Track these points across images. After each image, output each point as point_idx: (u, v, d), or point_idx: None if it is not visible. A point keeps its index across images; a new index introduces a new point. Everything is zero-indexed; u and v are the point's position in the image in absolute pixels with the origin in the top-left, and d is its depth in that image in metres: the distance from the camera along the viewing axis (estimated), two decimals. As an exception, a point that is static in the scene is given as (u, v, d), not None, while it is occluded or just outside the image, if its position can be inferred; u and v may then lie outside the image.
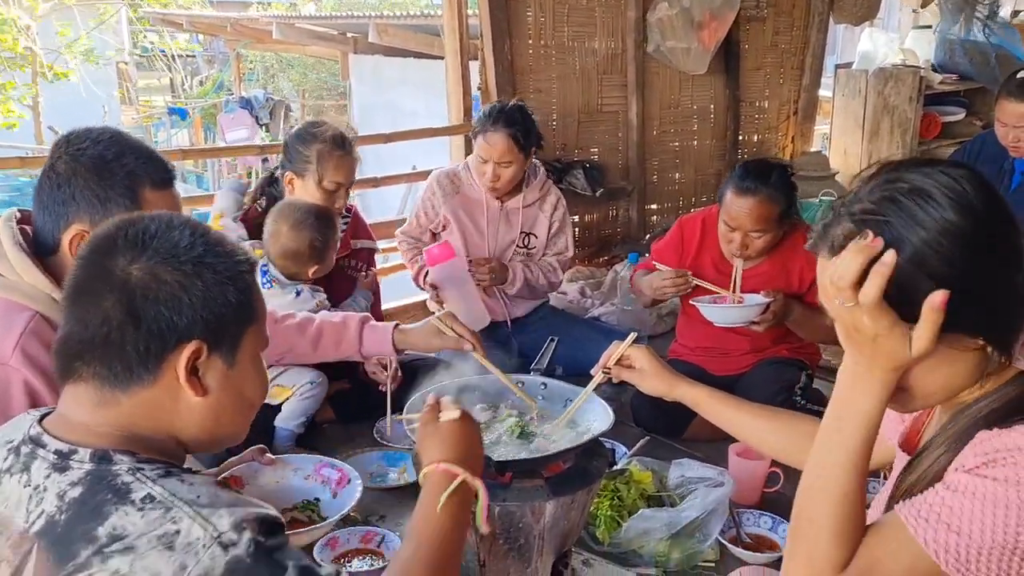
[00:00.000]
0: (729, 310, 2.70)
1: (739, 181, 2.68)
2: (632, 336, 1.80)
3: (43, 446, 1.06)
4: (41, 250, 1.56)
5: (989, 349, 1.05)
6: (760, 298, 2.66)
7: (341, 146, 2.76)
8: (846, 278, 1.00)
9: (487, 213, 3.26)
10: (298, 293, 2.68)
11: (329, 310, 2.67)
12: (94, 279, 1.07)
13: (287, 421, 2.68)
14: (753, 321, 2.65)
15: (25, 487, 1.03)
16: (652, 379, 1.76)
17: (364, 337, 2.25)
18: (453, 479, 1.32)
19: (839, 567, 1.05)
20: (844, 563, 1.05)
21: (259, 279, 2.56)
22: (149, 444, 1.07)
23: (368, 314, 2.37)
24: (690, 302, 2.83)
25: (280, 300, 2.61)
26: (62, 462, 1.03)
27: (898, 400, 1.10)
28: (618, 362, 1.78)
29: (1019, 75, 3.06)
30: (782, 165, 2.78)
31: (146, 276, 1.05)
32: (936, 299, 0.98)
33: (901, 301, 1.00)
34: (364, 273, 3.06)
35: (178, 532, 0.94)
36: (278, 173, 2.87)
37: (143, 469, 1.02)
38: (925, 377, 1.07)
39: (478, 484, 1.36)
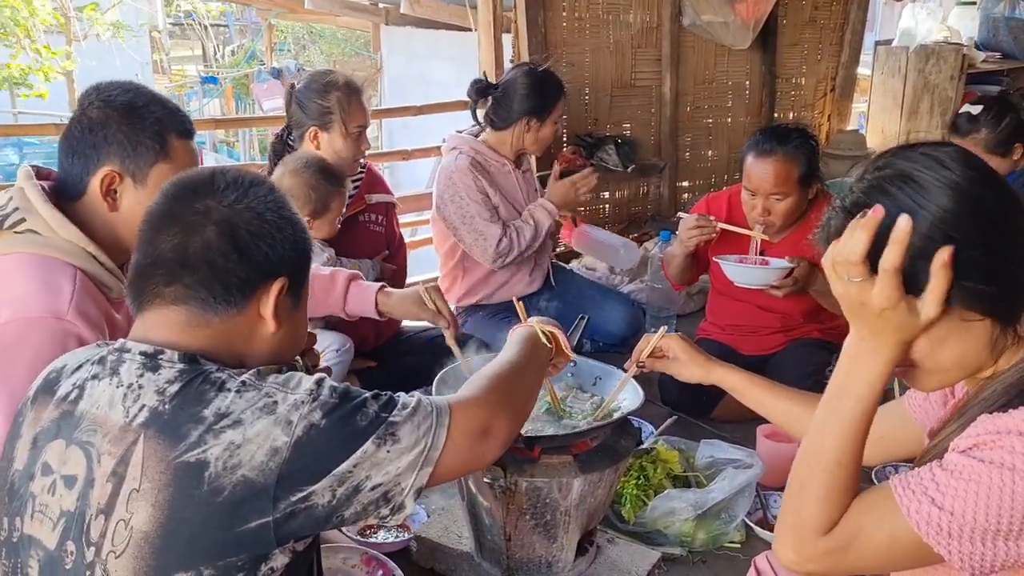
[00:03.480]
0: (751, 270, 2.67)
1: (758, 144, 2.65)
2: (663, 329, 1.79)
3: (127, 351, 1.16)
4: (65, 198, 1.60)
5: (998, 325, 1.07)
6: (784, 262, 2.63)
7: (355, 89, 2.78)
8: (857, 251, 1.01)
9: (518, 183, 3.29)
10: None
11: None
12: (192, 212, 1.18)
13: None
14: (773, 285, 2.61)
15: (117, 388, 1.13)
16: (688, 366, 1.75)
17: (349, 294, 2.25)
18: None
19: (823, 530, 1.08)
20: (829, 527, 1.08)
21: None
22: (223, 363, 1.18)
23: (357, 272, 2.34)
24: (713, 259, 2.80)
25: None
26: (151, 362, 1.14)
27: (913, 378, 1.13)
28: (651, 354, 1.77)
29: (961, 111, 3.09)
30: (801, 128, 2.73)
31: (249, 214, 1.19)
32: (943, 256, 0.99)
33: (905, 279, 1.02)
34: (382, 230, 3.04)
35: (275, 402, 1.10)
36: (293, 136, 2.85)
37: (227, 370, 1.15)
38: (936, 352, 1.08)
39: (556, 329, 1.63)
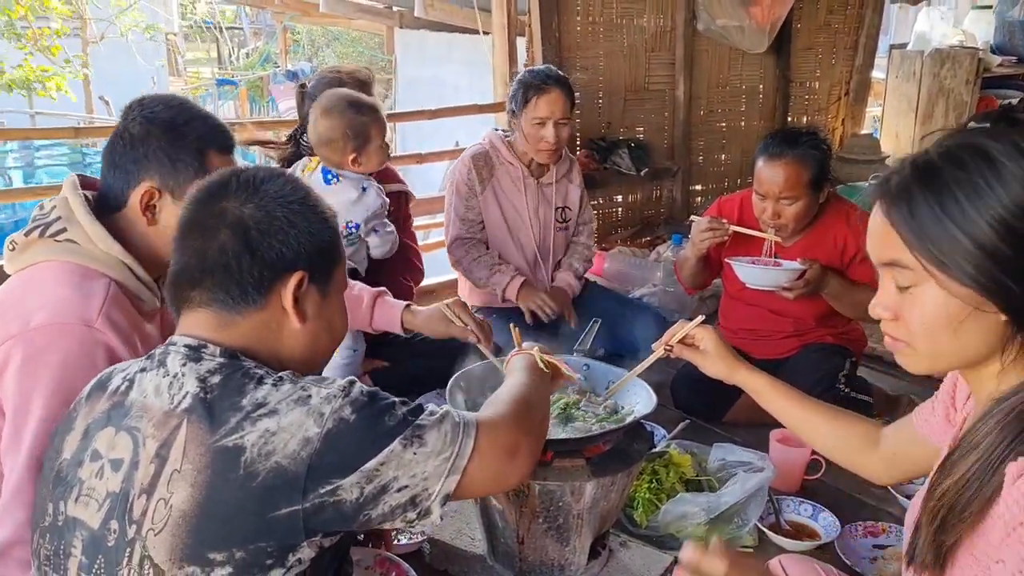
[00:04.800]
0: (763, 271, 2.67)
1: (768, 148, 2.66)
2: (700, 318, 1.79)
3: (173, 344, 1.22)
4: (105, 209, 1.63)
5: (1012, 326, 1.04)
6: (796, 264, 2.63)
7: (365, 83, 2.82)
8: None
9: (526, 192, 3.23)
10: (364, 189, 2.64)
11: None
12: (210, 217, 1.22)
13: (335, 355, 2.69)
14: (785, 287, 2.61)
15: (164, 377, 1.19)
16: (715, 361, 1.74)
17: (375, 312, 2.26)
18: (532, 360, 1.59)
19: None
20: None
21: (320, 179, 2.60)
22: (261, 362, 1.22)
23: (383, 288, 2.34)
24: (726, 259, 2.80)
25: (341, 197, 2.57)
26: (194, 353, 1.19)
27: (904, 356, 1.12)
28: (681, 340, 1.77)
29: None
30: (812, 131, 2.73)
31: (259, 213, 1.22)
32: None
33: (935, 257, 1.02)
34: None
35: (309, 395, 1.14)
36: (306, 136, 2.86)
37: (266, 367, 1.19)
38: (938, 333, 1.07)
39: (554, 359, 1.64)
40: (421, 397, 2.75)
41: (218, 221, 1.21)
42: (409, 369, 2.85)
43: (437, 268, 4.09)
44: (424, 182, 8.44)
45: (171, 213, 1.60)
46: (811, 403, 1.66)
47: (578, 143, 4.39)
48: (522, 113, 3.08)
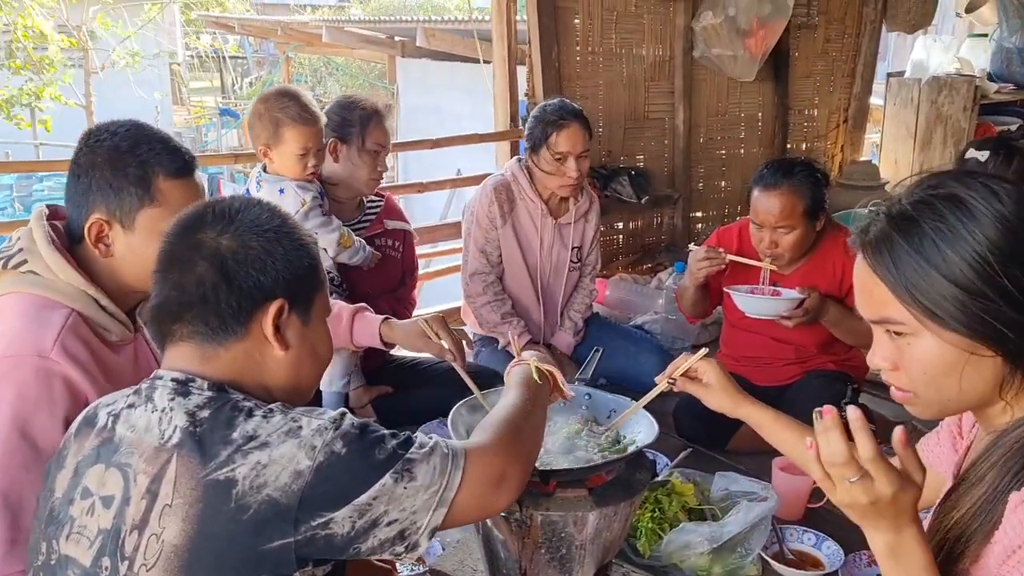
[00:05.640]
0: (762, 300, 2.69)
1: (763, 178, 2.68)
2: (703, 351, 1.79)
3: (160, 378, 1.21)
4: (72, 240, 1.60)
5: (1008, 366, 1.05)
6: (795, 293, 2.65)
7: (380, 111, 2.84)
8: (841, 452, 1.01)
9: (541, 231, 3.18)
10: (281, 191, 2.58)
11: (326, 214, 2.65)
12: (187, 249, 1.22)
13: (328, 385, 2.70)
14: (784, 315, 2.63)
15: (152, 412, 1.18)
16: (718, 395, 1.73)
17: (355, 327, 2.26)
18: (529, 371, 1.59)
19: None
20: None
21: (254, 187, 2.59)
22: (249, 393, 1.22)
23: (363, 304, 2.34)
24: (725, 289, 2.81)
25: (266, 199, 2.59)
26: (182, 388, 1.18)
27: (913, 405, 1.12)
28: (684, 373, 1.77)
29: (967, 156, 3.09)
30: (807, 161, 2.76)
31: (235, 243, 1.21)
32: (900, 436, 1.01)
33: (925, 307, 1.03)
34: (397, 255, 3.06)
35: (300, 427, 1.14)
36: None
37: (255, 400, 1.19)
38: (939, 381, 1.07)
39: (552, 368, 1.63)
40: (424, 425, 2.75)
41: (195, 253, 1.21)
42: (412, 397, 2.86)
43: (440, 296, 4.11)
44: (425, 210, 8.49)
45: (125, 244, 1.57)
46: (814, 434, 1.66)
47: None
48: (541, 149, 3.04)
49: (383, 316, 2.28)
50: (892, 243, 1.06)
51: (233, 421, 1.14)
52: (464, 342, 2.18)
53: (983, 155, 3.05)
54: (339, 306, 2.30)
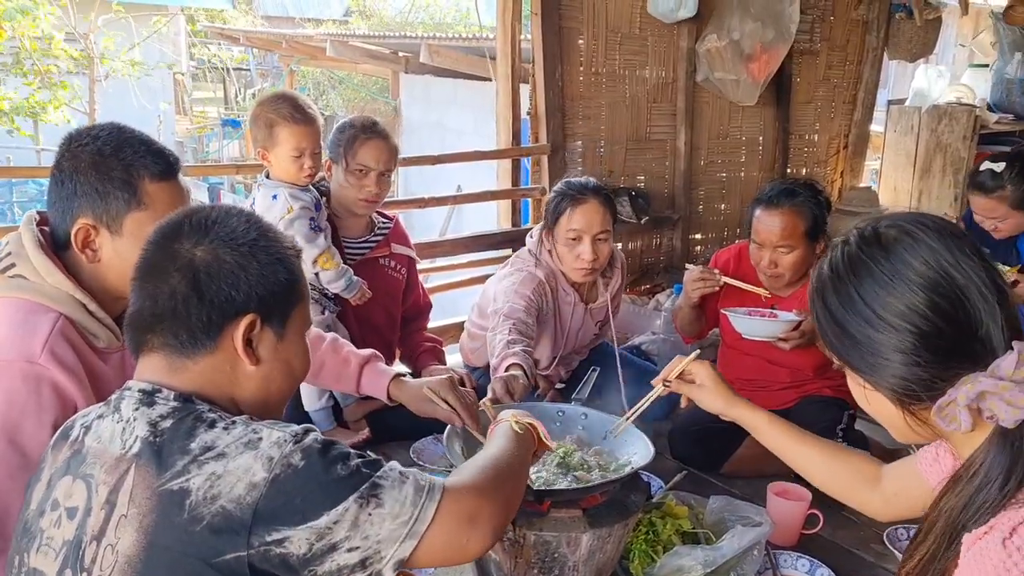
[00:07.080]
0: (758, 322, 2.69)
1: (766, 197, 2.70)
2: (696, 352, 1.80)
3: (128, 389, 1.20)
4: (57, 246, 1.59)
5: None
6: (792, 315, 2.65)
7: (369, 130, 2.79)
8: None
9: (573, 315, 2.97)
10: (274, 197, 2.60)
11: (316, 227, 2.63)
12: (162, 259, 1.21)
13: (313, 403, 2.68)
14: (780, 337, 2.63)
15: (117, 423, 1.17)
16: (712, 396, 1.75)
17: (363, 377, 2.22)
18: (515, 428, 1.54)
19: None
20: None
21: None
22: (216, 405, 1.20)
23: (374, 352, 2.28)
24: (722, 311, 2.81)
25: (260, 207, 2.56)
26: (148, 398, 1.17)
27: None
28: (679, 376, 1.78)
29: (982, 168, 3.12)
30: (810, 183, 2.77)
31: (209, 256, 1.20)
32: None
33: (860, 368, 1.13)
34: (401, 278, 3.05)
35: (260, 438, 1.11)
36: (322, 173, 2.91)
37: (220, 411, 1.17)
38: (902, 427, 1.15)
39: (533, 421, 1.58)
40: (419, 441, 2.75)
41: (169, 264, 1.20)
42: (407, 412, 2.83)
43: (435, 313, 4.09)
44: (425, 225, 8.50)
45: (112, 249, 1.56)
46: (810, 439, 1.67)
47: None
48: (556, 226, 2.80)
49: (395, 373, 2.22)
50: (826, 301, 1.17)
51: (194, 431, 1.12)
52: (469, 383, 2.13)
53: (999, 166, 3.07)
54: (347, 350, 2.25)
